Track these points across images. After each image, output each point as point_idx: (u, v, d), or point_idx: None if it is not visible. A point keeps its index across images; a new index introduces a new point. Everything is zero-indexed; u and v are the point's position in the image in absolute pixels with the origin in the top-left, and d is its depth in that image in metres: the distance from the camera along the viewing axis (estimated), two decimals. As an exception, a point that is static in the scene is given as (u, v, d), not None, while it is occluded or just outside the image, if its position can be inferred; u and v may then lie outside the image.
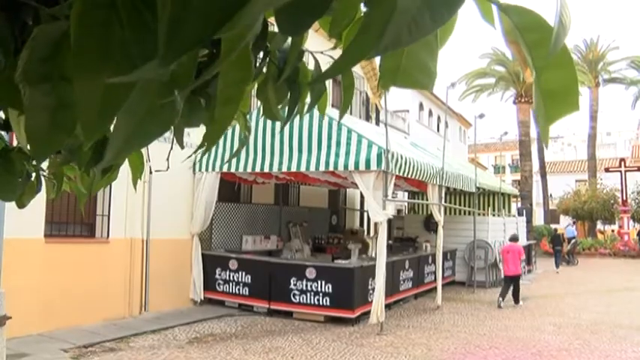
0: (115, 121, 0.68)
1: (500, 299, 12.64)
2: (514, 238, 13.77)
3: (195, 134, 1.53)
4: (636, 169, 34.29)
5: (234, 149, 10.80)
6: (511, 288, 12.84)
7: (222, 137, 11.09)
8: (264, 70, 1.27)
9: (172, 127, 1.05)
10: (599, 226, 36.19)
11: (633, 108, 40.65)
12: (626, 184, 31.89)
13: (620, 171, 32.16)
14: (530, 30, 0.74)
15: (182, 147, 1.29)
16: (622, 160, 34.22)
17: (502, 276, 15.88)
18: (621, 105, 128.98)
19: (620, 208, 32.12)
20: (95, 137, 0.69)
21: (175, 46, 0.60)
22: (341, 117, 1.59)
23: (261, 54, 1.22)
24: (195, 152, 1.20)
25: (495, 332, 9.87)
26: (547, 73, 0.76)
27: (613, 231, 35.26)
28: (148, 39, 0.64)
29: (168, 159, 1.69)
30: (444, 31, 0.90)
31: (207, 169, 11.37)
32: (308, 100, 1.39)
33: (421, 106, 30.34)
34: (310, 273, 10.22)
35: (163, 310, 10.45)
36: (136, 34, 0.65)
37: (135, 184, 1.54)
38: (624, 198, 31.96)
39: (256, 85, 1.32)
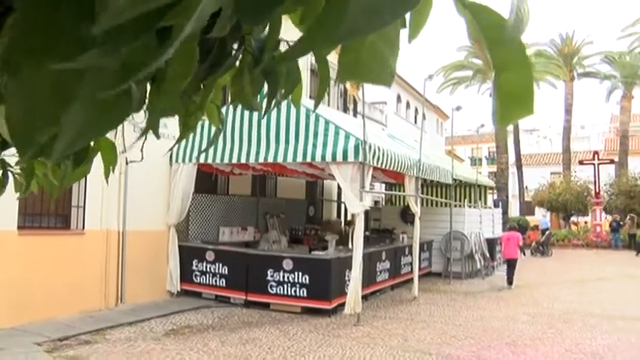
0: (66, 112, 0.66)
1: (509, 286, 14.28)
2: (513, 227, 16.48)
3: (172, 125, 1.52)
4: (609, 161, 34.89)
5: (211, 141, 10.72)
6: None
7: (200, 128, 11.05)
8: (239, 60, 1.26)
9: (149, 117, 1.03)
10: (573, 217, 36.73)
11: (607, 102, 41.33)
12: (599, 177, 32.40)
13: (594, 164, 32.65)
14: (491, 29, 0.74)
15: (158, 137, 1.28)
16: (595, 153, 34.75)
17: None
18: (595, 99, 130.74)
19: (593, 200, 32.63)
20: (45, 130, 0.67)
21: (114, 34, 0.58)
22: (316, 107, 1.58)
23: (236, 44, 1.21)
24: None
25: (471, 322, 9.99)
26: (505, 73, 0.76)
27: (586, 223, 35.85)
28: (87, 23, 0.61)
29: (142, 149, 1.67)
30: (416, 21, 0.89)
31: (184, 160, 11.29)
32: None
33: (399, 98, 30.44)
34: (287, 264, 10.23)
35: (140, 302, 10.38)
36: (86, 19, 0.62)
37: (107, 177, 1.52)
38: (597, 190, 32.47)
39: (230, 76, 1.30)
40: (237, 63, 1.24)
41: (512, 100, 0.77)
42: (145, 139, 1.45)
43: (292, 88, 1.32)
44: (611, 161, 35.34)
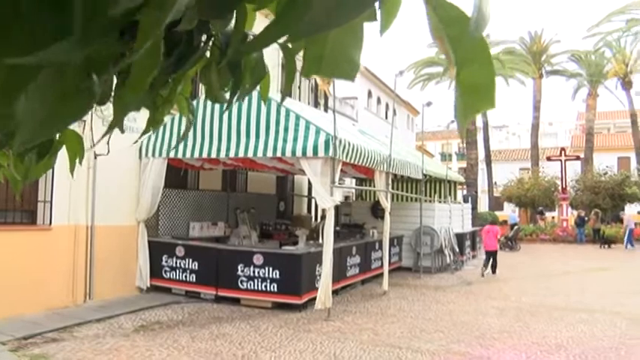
0: (26, 104, 0.64)
1: (484, 269, 15.82)
2: (493, 222, 18.16)
3: (141, 119, 1.50)
4: (575, 158, 35.67)
5: (182, 134, 10.64)
6: (490, 261, 15.94)
7: (170, 122, 10.96)
8: (208, 53, 1.26)
9: (115, 112, 1.02)
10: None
11: (573, 99, 42.13)
12: (565, 173, 33.03)
13: (561, 160, 33.26)
14: (453, 24, 0.75)
15: (122, 131, 1.27)
16: (562, 149, 35.40)
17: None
18: (562, 96, 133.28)
19: (559, 195, 33.24)
20: None
21: (93, 26, 0.56)
22: (282, 100, 1.59)
23: (204, 37, 1.20)
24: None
25: (440, 316, 10.10)
26: (467, 68, 0.77)
27: (553, 218, 36.51)
28: (58, 15, 0.59)
29: (108, 143, 1.65)
30: (387, 14, 0.89)
31: (153, 155, 11.17)
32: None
33: (370, 94, 30.55)
34: (258, 259, 10.21)
35: (108, 299, 10.26)
36: (44, 8, 0.60)
37: (72, 170, 1.50)
38: (564, 186, 33.09)
39: (199, 69, 1.30)
40: (208, 56, 1.24)
41: (474, 94, 0.77)
42: (112, 132, 1.44)
43: (257, 82, 1.32)
44: (577, 157, 36.14)
